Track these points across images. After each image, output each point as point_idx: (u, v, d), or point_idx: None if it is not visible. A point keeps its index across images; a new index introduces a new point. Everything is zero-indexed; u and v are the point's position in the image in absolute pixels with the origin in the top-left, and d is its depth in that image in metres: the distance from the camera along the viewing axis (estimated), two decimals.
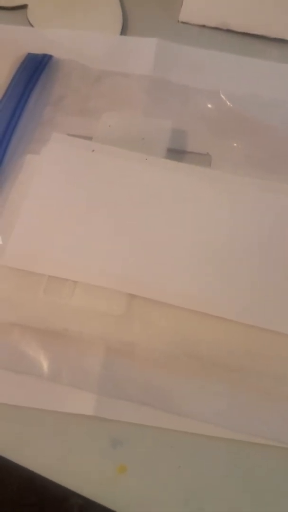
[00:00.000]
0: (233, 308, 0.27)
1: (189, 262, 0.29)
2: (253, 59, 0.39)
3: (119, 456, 0.25)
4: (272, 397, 0.26)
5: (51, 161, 0.32)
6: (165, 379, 0.27)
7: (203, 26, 0.41)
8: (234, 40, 0.41)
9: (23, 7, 0.42)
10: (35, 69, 0.37)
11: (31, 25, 0.41)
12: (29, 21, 0.41)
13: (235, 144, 0.34)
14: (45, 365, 0.27)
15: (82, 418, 0.26)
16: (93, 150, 0.32)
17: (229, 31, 0.41)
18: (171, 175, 0.31)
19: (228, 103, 0.35)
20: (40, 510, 0.25)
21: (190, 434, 0.26)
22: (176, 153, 0.33)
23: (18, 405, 0.26)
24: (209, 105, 0.35)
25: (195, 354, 0.27)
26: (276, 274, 0.28)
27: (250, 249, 0.29)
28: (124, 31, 0.41)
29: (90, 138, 0.33)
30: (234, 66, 0.38)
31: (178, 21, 0.42)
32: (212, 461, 0.25)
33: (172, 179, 0.31)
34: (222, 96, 0.36)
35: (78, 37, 0.39)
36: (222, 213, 0.30)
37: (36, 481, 0.25)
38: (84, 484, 0.25)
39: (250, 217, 0.30)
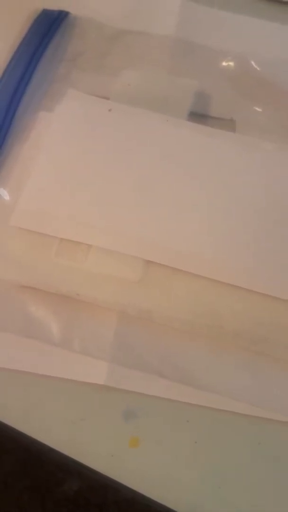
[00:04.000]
0: (256, 279, 0.26)
1: (210, 229, 0.27)
2: (281, 25, 0.37)
3: (131, 429, 0.24)
4: None
5: (65, 119, 0.30)
6: (184, 350, 0.25)
7: None
8: (261, 5, 0.38)
9: None
10: (50, 25, 0.36)
11: None
12: None
13: (260, 110, 0.32)
14: (56, 330, 0.25)
15: (93, 387, 0.25)
16: (110, 110, 0.30)
17: None
18: (193, 137, 0.29)
19: (256, 68, 0.33)
20: (35, 492, 0.23)
21: (207, 408, 0.24)
22: (199, 117, 0.31)
23: (26, 371, 0.25)
24: (236, 69, 0.33)
25: (217, 325, 0.25)
26: None
27: (276, 219, 0.27)
28: None
29: (107, 98, 0.31)
30: (263, 31, 0.36)
31: None
32: (231, 438, 0.24)
33: (194, 141, 0.29)
34: (250, 60, 0.34)
35: None
36: (247, 179, 0.28)
37: (37, 454, 0.24)
38: (93, 456, 0.24)
39: (275, 184, 0.28)
